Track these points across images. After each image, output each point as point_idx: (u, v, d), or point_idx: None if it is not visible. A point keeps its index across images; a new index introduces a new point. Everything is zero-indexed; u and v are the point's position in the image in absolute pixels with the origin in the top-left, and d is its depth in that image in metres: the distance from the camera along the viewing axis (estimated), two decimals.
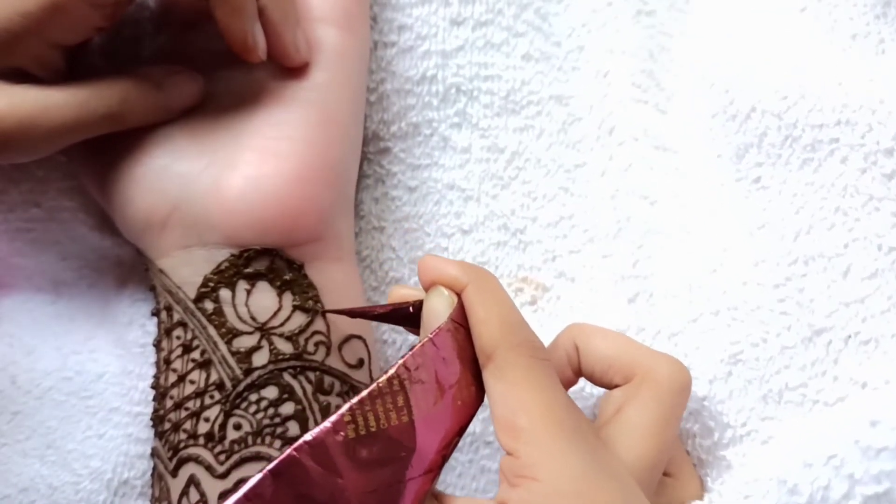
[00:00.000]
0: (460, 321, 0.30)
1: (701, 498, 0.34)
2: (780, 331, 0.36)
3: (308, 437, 0.27)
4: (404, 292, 0.32)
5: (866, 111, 0.35)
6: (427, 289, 0.31)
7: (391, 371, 0.28)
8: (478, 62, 0.39)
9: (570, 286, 0.39)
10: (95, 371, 0.40)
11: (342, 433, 0.28)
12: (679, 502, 0.33)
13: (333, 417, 0.28)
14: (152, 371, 0.38)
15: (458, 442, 0.29)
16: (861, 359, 0.34)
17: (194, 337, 0.33)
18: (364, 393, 0.28)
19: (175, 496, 0.32)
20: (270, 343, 0.33)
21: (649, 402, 0.30)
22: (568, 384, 0.34)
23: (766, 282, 0.36)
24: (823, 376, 0.35)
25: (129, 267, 0.41)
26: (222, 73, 0.36)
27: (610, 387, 0.32)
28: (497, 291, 0.30)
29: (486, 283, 0.30)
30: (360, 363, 0.34)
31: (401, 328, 0.39)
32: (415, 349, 0.29)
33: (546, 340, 0.38)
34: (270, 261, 0.33)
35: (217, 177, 0.33)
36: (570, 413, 0.28)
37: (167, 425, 0.33)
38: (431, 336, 0.29)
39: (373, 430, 0.28)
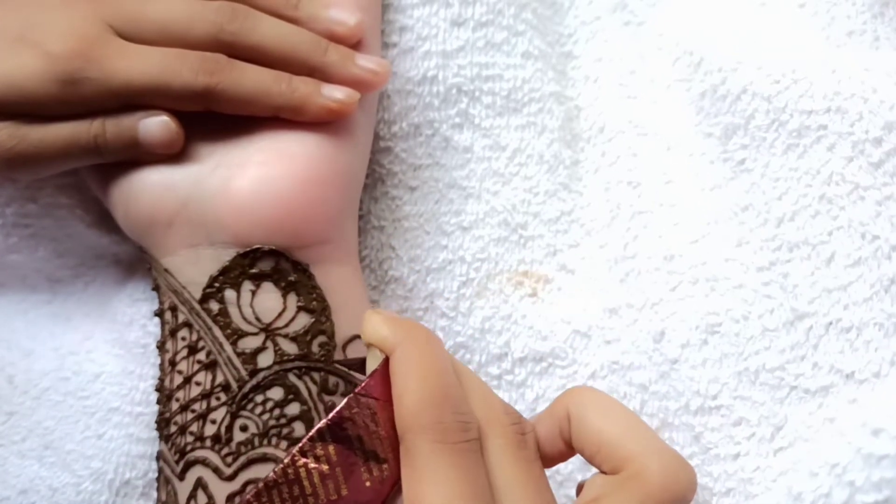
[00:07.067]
0: (379, 395, 0.29)
1: None
2: (763, 312, 0.36)
3: None
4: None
5: (858, 99, 0.35)
6: (368, 347, 0.30)
7: (286, 459, 0.28)
8: (479, 62, 0.39)
9: (571, 278, 0.40)
10: (92, 371, 0.39)
11: None
12: None
13: None
14: (153, 371, 0.38)
15: None
16: (843, 346, 0.35)
17: (200, 338, 0.33)
18: (260, 484, 0.28)
19: (183, 499, 0.32)
20: (275, 344, 0.33)
21: None
22: (560, 458, 0.31)
23: (750, 263, 0.37)
24: (802, 361, 0.35)
25: (127, 265, 0.41)
26: None
27: (598, 469, 0.29)
28: (423, 359, 0.28)
29: (413, 348, 0.28)
30: (365, 363, 0.35)
31: None
32: (309, 433, 0.28)
33: (545, 327, 0.39)
34: (276, 262, 0.33)
35: (227, 176, 0.33)
36: None
37: (173, 428, 0.33)
38: (328, 420, 0.28)
39: None
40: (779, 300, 0.36)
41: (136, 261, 0.41)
